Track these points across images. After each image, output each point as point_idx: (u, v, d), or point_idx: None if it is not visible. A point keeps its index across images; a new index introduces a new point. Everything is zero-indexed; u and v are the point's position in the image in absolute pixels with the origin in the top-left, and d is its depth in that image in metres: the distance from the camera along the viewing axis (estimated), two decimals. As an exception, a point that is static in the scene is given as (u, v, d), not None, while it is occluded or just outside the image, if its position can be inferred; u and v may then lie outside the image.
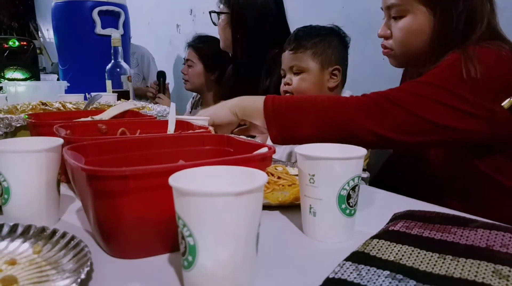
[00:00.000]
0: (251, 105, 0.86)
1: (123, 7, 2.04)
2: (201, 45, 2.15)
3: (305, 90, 1.19)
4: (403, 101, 0.78)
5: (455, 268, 0.42)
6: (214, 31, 2.67)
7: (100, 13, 1.93)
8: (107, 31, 1.92)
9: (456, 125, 0.77)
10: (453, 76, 0.78)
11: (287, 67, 1.23)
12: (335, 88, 1.20)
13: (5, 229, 0.52)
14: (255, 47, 1.50)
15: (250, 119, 0.89)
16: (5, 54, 2.16)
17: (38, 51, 2.54)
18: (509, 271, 0.40)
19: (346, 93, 1.24)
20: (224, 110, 0.88)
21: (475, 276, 0.40)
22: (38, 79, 2.29)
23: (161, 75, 2.49)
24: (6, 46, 2.16)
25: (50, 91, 1.66)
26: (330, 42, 1.19)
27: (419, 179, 0.99)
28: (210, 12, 1.60)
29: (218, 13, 1.57)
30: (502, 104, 0.77)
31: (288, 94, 1.23)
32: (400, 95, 0.79)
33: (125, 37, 2.04)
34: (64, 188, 0.72)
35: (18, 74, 2.20)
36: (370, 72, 1.34)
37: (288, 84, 1.24)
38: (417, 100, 0.78)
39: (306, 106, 0.82)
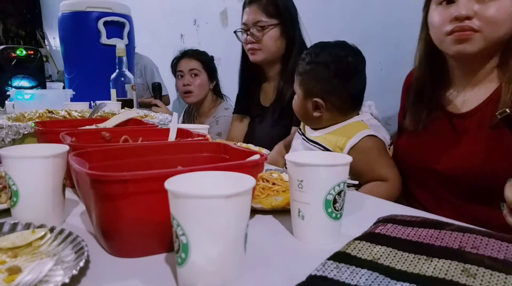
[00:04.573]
0: None
1: (128, 17, 2.09)
2: (201, 55, 2.18)
3: (296, 112, 1.18)
4: None
5: (427, 268, 0.45)
6: (216, 41, 2.74)
7: (106, 23, 1.98)
8: (112, 41, 1.97)
9: None
10: None
11: None
12: (320, 119, 1.11)
13: (19, 227, 0.57)
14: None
15: None
16: (13, 62, 2.22)
17: (44, 59, 2.61)
18: (477, 270, 0.43)
19: (366, 104, 1.20)
20: None
21: (445, 274, 0.43)
22: (44, 87, 2.35)
23: (156, 87, 2.53)
24: (13, 55, 2.23)
25: (56, 99, 1.71)
26: (317, 74, 1.08)
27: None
28: (258, 27, 1.50)
29: (264, 27, 1.49)
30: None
31: None
32: None
33: (130, 47, 2.09)
34: (69, 192, 0.76)
35: (25, 82, 2.26)
36: (368, 81, 1.37)
37: None
38: None
39: None
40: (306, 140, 1.16)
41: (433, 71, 1.03)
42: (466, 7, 0.88)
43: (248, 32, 1.53)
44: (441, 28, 0.93)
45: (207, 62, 2.16)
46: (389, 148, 1.16)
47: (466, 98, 0.98)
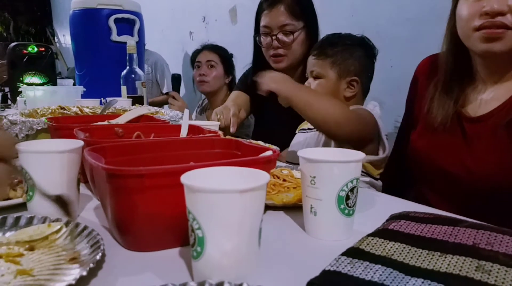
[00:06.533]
0: None
1: (138, 15, 2.11)
2: (220, 49, 2.21)
3: None
4: None
5: (442, 264, 0.45)
6: (226, 38, 2.75)
7: (116, 20, 2.00)
8: (123, 38, 1.99)
9: None
10: None
11: (309, 71, 1.23)
12: (352, 99, 1.18)
13: (35, 221, 0.58)
14: None
15: None
16: (24, 59, 2.24)
17: (54, 56, 2.62)
18: (491, 266, 0.44)
19: (370, 104, 1.23)
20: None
21: (460, 270, 0.44)
22: (55, 84, 2.37)
23: (176, 78, 2.53)
24: (25, 52, 2.24)
25: (67, 96, 1.72)
26: (352, 53, 1.16)
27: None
28: (286, 31, 1.40)
29: (293, 31, 1.41)
30: None
31: None
32: None
33: (140, 44, 2.10)
34: (82, 187, 0.77)
35: (36, 79, 2.27)
36: (379, 79, 1.37)
37: None
38: None
39: None
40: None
41: (458, 65, 0.96)
42: (499, 1, 0.80)
43: (274, 37, 1.41)
44: (469, 22, 0.85)
45: (225, 56, 2.21)
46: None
47: (485, 99, 0.92)
